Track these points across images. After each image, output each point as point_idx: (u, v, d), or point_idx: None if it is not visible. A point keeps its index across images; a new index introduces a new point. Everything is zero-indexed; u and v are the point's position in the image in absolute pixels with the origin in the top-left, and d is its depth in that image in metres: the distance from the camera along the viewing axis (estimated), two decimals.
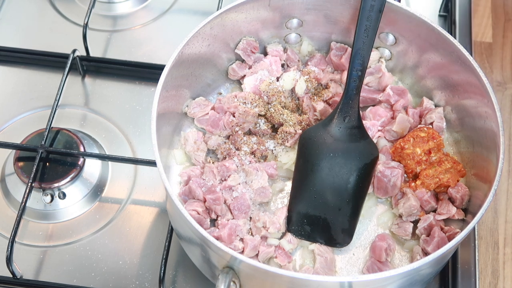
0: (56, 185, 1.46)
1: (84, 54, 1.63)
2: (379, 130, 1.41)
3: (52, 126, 1.50)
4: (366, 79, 1.44)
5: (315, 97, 1.44)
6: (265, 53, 1.49)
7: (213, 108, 1.43)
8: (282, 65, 1.49)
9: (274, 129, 1.43)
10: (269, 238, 1.30)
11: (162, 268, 1.34)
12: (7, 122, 1.58)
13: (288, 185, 1.39)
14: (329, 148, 1.34)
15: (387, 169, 1.35)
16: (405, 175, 1.38)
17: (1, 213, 1.47)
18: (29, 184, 1.42)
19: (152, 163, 1.44)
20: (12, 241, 1.35)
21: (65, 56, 1.61)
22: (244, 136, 1.40)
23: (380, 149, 1.39)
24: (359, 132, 1.35)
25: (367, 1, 1.33)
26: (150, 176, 1.51)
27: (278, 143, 1.41)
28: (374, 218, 1.37)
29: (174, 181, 1.38)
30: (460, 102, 1.38)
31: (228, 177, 1.34)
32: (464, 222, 1.32)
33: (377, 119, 1.42)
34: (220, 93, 1.49)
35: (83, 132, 1.56)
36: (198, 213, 1.30)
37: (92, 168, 1.50)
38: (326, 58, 1.50)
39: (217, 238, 1.25)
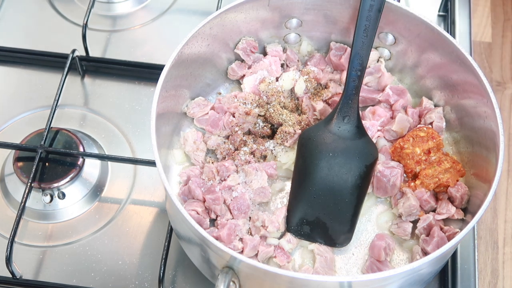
0: (55, 185, 1.45)
1: (84, 54, 1.63)
2: (378, 130, 1.41)
3: (51, 126, 1.50)
4: (366, 79, 1.44)
5: (314, 97, 1.44)
6: (265, 53, 1.49)
7: (212, 108, 1.43)
8: (282, 65, 1.49)
9: (273, 132, 1.43)
10: (269, 237, 1.30)
11: (162, 268, 1.34)
12: (6, 122, 1.58)
13: (288, 185, 1.39)
14: (328, 148, 1.34)
15: (386, 169, 1.35)
16: (404, 175, 1.37)
17: (1, 213, 1.47)
18: (29, 184, 1.41)
19: (151, 163, 1.44)
20: (11, 241, 1.35)
21: (64, 56, 1.61)
22: (243, 136, 1.40)
23: (379, 149, 1.39)
24: (358, 132, 1.35)
25: (366, 1, 1.33)
26: (150, 176, 1.51)
27: (277, 143, 1.40)
28: (373, 218, 1.37)
29: (174, 181, 1.38)
30: (460, 102, 1.38)
31: (228, 177, 1.34)
32: (463, 222, 1.32)
33: (376, 119, 1.42)
34: (220, 93, 1.49)
35: (83, 132, 1.56)
36: (198, 213, 1.30)
37: (91, 168, 1.50)
38: (326, 58, 1.50)
39: (217, 238, 1.25)
